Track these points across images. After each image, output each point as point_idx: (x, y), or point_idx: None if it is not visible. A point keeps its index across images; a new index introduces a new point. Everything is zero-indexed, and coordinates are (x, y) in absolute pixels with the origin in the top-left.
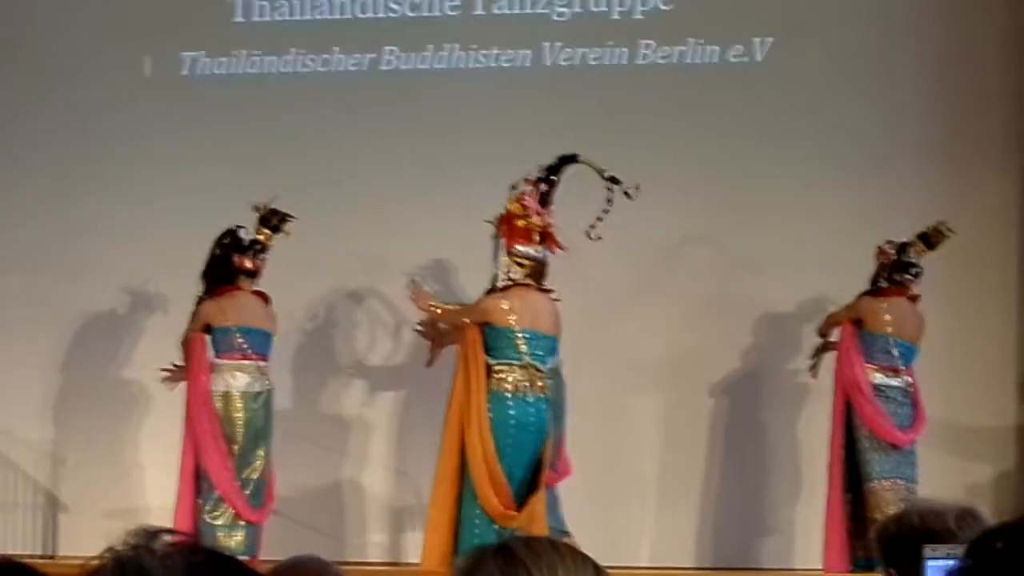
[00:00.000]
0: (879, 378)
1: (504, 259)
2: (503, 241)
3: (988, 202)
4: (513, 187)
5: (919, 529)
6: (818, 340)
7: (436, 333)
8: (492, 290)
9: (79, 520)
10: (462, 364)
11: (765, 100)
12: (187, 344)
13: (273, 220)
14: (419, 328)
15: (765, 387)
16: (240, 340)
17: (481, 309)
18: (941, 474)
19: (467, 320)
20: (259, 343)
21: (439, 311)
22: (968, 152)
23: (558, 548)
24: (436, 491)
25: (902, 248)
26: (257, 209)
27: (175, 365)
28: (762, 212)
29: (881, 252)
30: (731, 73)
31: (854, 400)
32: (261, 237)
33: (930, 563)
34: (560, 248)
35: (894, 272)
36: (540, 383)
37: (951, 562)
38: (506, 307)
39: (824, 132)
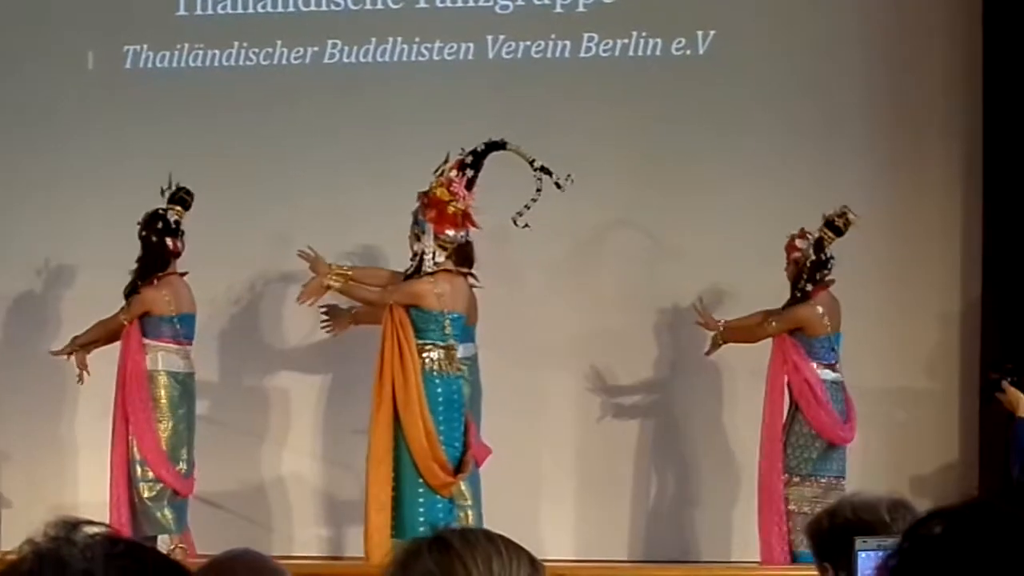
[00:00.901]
0: (828, 375)
1: (431, 244)
2: (431, 226)
3: (930, 188)
4: (438, 170)
5: (853, 522)
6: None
7: (339, 314)
8: (417, 272)
9: (22, 515)
10: (392, 345)
11: (708, 92)
12: (118, 329)
13: (188, 199)
14: (323, 308)
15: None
16: (177, 327)
17: (413, 293)
18: (883, 467)
19: (391, 301)
20: (190, 328)
21: (340, 287)
22: (909, 141)
23: (493, 540)
24: (373, 472)
25: (818, 245)
26: (165, 190)
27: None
28: (705, 203)
29: (794, 248)
30: (674, 66)
31: (805, 405)
32: (177, 216)
33: (861, 554)
34: (475, 227)
35: (815, 271)
36: (456, 362)
37: (882, 553)
38: (439, 292)
39: (767, 123)
